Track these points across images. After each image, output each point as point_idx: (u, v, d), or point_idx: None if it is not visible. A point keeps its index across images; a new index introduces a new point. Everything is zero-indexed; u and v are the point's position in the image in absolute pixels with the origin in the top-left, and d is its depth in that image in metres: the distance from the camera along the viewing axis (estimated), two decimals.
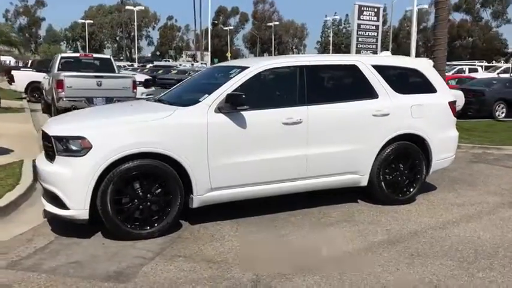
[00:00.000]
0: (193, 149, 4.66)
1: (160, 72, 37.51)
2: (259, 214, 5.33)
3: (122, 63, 46.28)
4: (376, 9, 16.87)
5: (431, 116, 5.94)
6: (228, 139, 4.83)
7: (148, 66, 51.52)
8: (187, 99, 5.19)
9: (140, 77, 18.21)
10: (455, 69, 29.10)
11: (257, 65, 5.17)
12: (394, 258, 4.23)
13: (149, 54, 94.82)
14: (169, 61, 75.57)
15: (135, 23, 63.06)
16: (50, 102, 14.36)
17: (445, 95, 6.19)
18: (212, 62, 56.55)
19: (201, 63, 67.55)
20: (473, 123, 13.96)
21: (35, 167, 4.88)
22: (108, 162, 4.33)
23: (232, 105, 4.78)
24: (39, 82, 18.60)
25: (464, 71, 30.06)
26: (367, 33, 16.73)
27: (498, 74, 28.87)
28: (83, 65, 14.23)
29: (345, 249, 4.45)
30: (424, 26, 74.07)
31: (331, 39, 75.60)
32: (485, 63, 38.24)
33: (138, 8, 57.71)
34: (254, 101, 4.95)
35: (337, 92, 5.63)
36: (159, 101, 5.60)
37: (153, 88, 20.63)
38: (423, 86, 6.07)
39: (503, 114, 16.30)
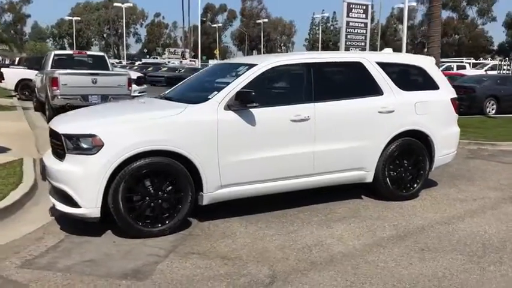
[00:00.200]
0: (203, 146, 4.67)
1: (150, 69, 37.29)
2: (267, 211, 5.36)
3: (110, 61, 45.96)
4: (364, 7, 16.94)
5: (434, 112, 6.02)
6: (238, 136, 4.84)
7: (137, 63, 51.28)
8: (196, 96, 5.19)
9: (133, 75, 18.09)
10: (443, 66, 29.37)
11: (265, 62, 5.19)
12: (406, 253, 4.29)
13: (134, 52, 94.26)
14: (157, 58, 75.19)
15: (123, 20, 62.57)
16: (42, 100, 14.23)
17: (447, 92, 6.27)
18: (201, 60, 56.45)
19: (190, 61, 67.37)
20: (465, 119, 14.07)
21: (43, 166, 4.83)
22: (120, 160, 4.32)
23: (242, 103, 4.80)
24: (29, 80, 18.41)
25: (452, 68, 30.39)
26: (356, 31, 16.80)
27: (486, 71, 29.21)
28: (77, 63, 14.11)
29: (355, 244, 4.50)
30: (412, 23, 74.62)
31: (320, 36, 75.75)
32: (472, 60, 38.66)
33: (126, 5, 57.18)
34: (262, 98, 4.97)
35: (343, 89, 5.66)
36: (167, 98, 5.59)
37: (145, 86, 20.53)
38: (426, 82, 6.15)
39: (494, 111, 16.54)
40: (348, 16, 16.40)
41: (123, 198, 4.39)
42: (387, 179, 5.77)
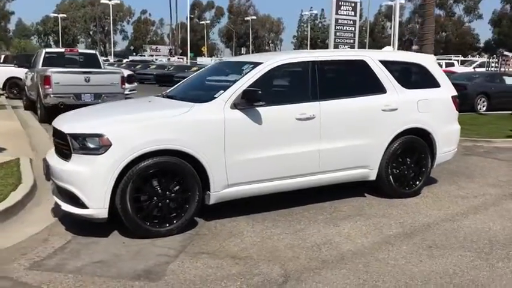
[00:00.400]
0: (210, 145, 4.64)
1: (138, 67, 37.01)
2: (272, 210, 5.35)
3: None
4: (353, 4, 16.98)
5: (436, 110, 6.06)
6: (245, 135, 4.83)
7: (124, 61, 50.89)
8: (201, 95, 5.16)
9: (124, 73, 17.95)
10: None
11: (271, 60, 5.18)
12: (414, 251, 4.31)
13: (119, 49, 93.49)
14: (144, 56, 74.66)
15: (111, 17, 61.99)
16: (33, 98, 14.06)
17: (448, 90, 6.32)
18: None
19: (178, 58, 67.04)
20: (458, 116, 14.23)
21: (47, 165, 4.76)
22: (128, 160, 4.28)
23: (249, 101, 4.78)
24: (18, 78, 18.17)
25: (441, 66, 30.60)
26: (344, 28, 16.84)
27: (474, 68, 29.50)
28: (68, 61, 13.95)
29: (363, 242, 4.51)
30: (399, 20, 75.02)
31: (308, 34, 75.86)
32: (461, 58, 39.03)
33: (113, 1, 56.66)
34: (268, 96, 4.96)
35: (347, 87, 5.67)
36: (170, 97, 5.55)
37: (135, 84, 20.39)
38: (427, 80, 6.19)
39: (485, 108, 16.72)
40: (337, 13, 16.44)
41: (130, 198, 4.35)
42: (390, 177, 5.80)
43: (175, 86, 6.13)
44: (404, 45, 68.64)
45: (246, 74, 5.02)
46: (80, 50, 15.09)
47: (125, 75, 17.84)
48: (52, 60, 13.54)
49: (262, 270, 3.86)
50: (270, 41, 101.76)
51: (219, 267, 3.91)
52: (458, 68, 28.98)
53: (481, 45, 78.66)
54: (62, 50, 14.87)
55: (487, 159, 8.60)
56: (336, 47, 16.00)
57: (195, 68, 31.73)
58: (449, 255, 4.23)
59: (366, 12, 66.20)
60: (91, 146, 4.33)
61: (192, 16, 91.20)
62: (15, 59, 22.04)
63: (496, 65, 30.33)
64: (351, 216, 5.27)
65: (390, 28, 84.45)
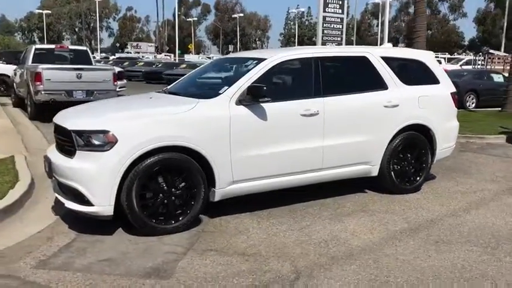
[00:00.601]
0: (216, 141, 4.60)
1: (126, 64, 36.66)
2: (275, 206, 5.33)
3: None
4: (340, 2, 17.01)
5: (436, 106, 6.10)
6: (250, 131, 4.80)
7: (111, 58, 50.42)
8: (205, 91, 5.14)
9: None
10: None
11: (274, 56, 5.15)
12: (421, 246, 4.33)
13: (105, 46, 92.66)
14: (130, 53, 74.01)
15: (97, 14, 61.34)
16: (22, 96, 13.85)
17: (448, 86, 6.36)
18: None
19: (165, 55, 66.62)
20: None
21: (49, 162, 4.68)
22: (134, 157, 4.23)
23: (254, 97, 4.75)
24: (6, 75, 17.87)
25: None
26: (332, 26, 16.87)
27: (461, 65, 29.82)
28: (58, 57, 13.75)
29: (370, 238, 4.52)
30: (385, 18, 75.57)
31: (296, 31, 75.96)
32: (447, 55, 39.43)
33: None
34: (273, 92, 4.93)
35: (349, 84, 5.66)
36: (172, 93, 5.49)
37: (124, 81, 20.21)
38: (427, 77, 6.21)
39: (474, 105, 16.92)
40: (324, 11, 16.46)
41: (136, 195, 4.30)
42: (392, 173, 5.82)
43: (176, 82, 6.07)
44: (392, 43, 68.94)
45: (250, 70, 4.99)
46: (70, 47, 14.88)
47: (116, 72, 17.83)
48: (42, 57, 13.30)
49: (273, 266, 3.84)
50: (257, 39, 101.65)
51: (228, 264, 3.89)
52: (445, 66, 29.24)
53: (466, 43, 79.53)
54: (52, 46, 14.64)
55: (482, 155, 8.68)
56: (323, 44, 16.00)
57: (183, 65, 31.59)
58: (456, 250, 4.25)
59: (352, 10, 66.55)
60: (96, 142, 4.26)
61: (179, 13, 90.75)
62: (2, 55, 21.66)
63: (482, 62, 30.77)
64: (355, 212, 5.27)
65: (376, 26, 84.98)
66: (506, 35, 51.17)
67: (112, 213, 4.30)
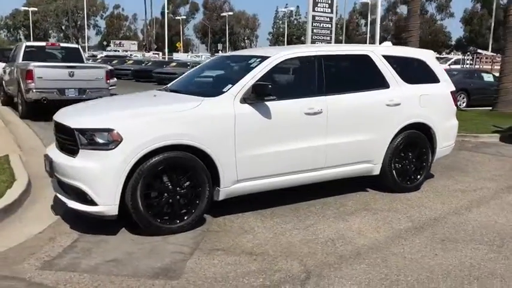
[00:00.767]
0: (221, 140, 4.56)
1: (115, 62, 36.34)
2: (277, 205, 5.30)
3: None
4: (330, 1, 17.06)
5: (436, 105, 6.12)
6: (254, 130, 4.76)
7: (99, 56, 49.97)
8: (208, 89, 5.08)
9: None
10: None
11: (278, 54, 5.11)
12: (428, 244, 4.33)
13: (92, 44, 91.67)
14: (118, 51, 73.42)
15: (85, 11, 60.73)
16: (11, 94, 13.65)
17: (447, 85, 6.39)
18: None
19: (153, 54, 66.22)
20: None
21: (51, 162, 4.58)
22: (139, 156, 4.16)
23: (259, 96, 4.71)
24: None
25: None
26: (321, 25, 16.92)
27: (449, 65, 30.08)
28: (49, 55, 13.56)
29: (376, 237, 4.51)
30: (373, 18, 75.96)
31: (285, 30, 76.01)
32: (436, 55, 39.70)
33: None
34: (276, 91, 4.89)
35: (352, 82, 5.65)
36: (173, 91, 5.42)
37: (115, 79, 20.01)
38: (428, 76, 6.23)
39: (464, 104, 17.05)
40: (313, 10, 16.50)
41: (141, 195, 4.23)
42: (393, 171, 5.82)
43: (176, 80, 6.00)
44: (379, 43, 69.39)
45: (253, 68, 4.94)
46: (61, 44, 14.68)
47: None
48: (33, 54, 13.11)
49: (282, 266, 3.81)
50: (246, 38, 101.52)
51: (237, 263, 3.85)
52: None
53: (453, 42, 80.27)
54: (43, 44, 14.40)
55: (478, 154, 8.75)
56: (312, 43, 16.03)
57: (173, 64, 31.40)
58: (462, 248, 4.26)
59: (341, 9, 66.77)
60: (100, 141, 4.19)
61: (168, 11, 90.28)
62: None
63: (471, 62, 31.07)
64: (358, 211, 5.26)
65: (364, 26, 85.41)
66: (493, 35, 51.71)
67: (117, 213, 4.23)
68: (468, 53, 34.04)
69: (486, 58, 33.28)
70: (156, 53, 67.84)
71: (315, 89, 5.22)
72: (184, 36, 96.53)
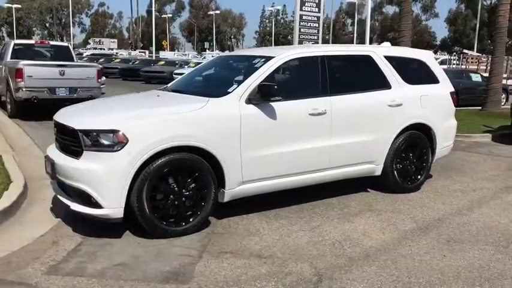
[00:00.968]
0: (226, 141, 4.50)
1: (101, 60, 35.96)
2: (281, 206, 5.26)
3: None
4: (317, 1, 17.08)
5: (436, 106, 6.14)
6: (260, 131, 4.71)
7: (85, 54, 49.37)
8: (212, 89, 5.00)
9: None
10: None
11: (282, 54, 5.07)
12: (435, 245, 4.33)
13: (77, 42, 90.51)
14: (104, 49, 72.70)
15: (70, 9, 59.95)
16: None
17: (447, 86, 6.41)
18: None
19: (139, 52, 65.70)
20: None
21: (53, 163, 4.47)
22: (145, 157, 4.09)
23: (264, 96, 4.67)
24: None
25: None
26: (309, 24, 16.94)
27: None
28: (38, 53, 13.34)
29: (382, 238, 4.50)
30: (360, 17, 76.32)
31: (273, 29, 76.02)
32: None
33: None
34: (281, 91, 4.83)
35: (355, 83, 5.63)
36: (176, 91, 5.34)
37: (103, 78, 19.76)
38: (428, 76, 6.25)
39: None
40: (301, 9, 16.51)
41: (147, 197, 4.16)
42: (395, 172, 5.83)
43: (177, 80, 5.93)
44: (364, 42, 69.79)
45: (258, 68, 4.89)
46: (51, 42, 14.45)
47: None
48: (21, 53, 12.87)
49: (293, 269, 3.78)
50: (232, 36, 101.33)
51: (247, 266, 3.80)
52: None
53: (438, 43, 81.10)
54: (32, 41, 14.18)
55: (472, 154, 8.82)
56: (300, 43, 16.04)
57: (162, 62, 31.17)
58: (469, 249, 4.27)
59: (327, 9, 67.00)
60: (105, 142, 4.10)
61: (154, 9, 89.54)
62: None
63: (457, 62, 31.40)
64: (362, 212, 5.25)
65: (351, 25, 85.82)
66: (478, 35, 52.32)
67: (122, 216, 4.15)
68: (454, 53, 34.39)
69: (472, 58, 33.67)
70: (142, 52, 67.33)
71: (319, 89, 5.20)
72: (170, 34, 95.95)
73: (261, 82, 4.71)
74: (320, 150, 5.14)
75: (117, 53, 57.73)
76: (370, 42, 67.57)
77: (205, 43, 79.12)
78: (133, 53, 62.43)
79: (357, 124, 5.43)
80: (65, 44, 15.17)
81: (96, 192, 4.06)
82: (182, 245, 4.20)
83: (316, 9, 17.01)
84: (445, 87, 6.37)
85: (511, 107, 10.51)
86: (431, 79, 6.27)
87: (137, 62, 33.85)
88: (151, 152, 4.10)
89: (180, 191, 4.34)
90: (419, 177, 6.09)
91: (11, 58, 12.62)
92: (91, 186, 4.08)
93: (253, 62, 5.10)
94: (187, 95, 4.96)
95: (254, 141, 4.68)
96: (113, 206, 4.09)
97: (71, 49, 14.00)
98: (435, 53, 63.96)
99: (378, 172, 5.75)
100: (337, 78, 5.40)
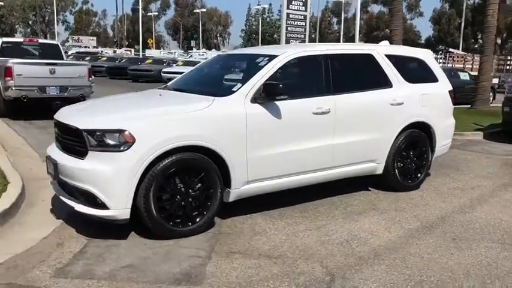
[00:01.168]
0: (232, 140, 4.46)
1: (87, 59, 35.49)
2: (283, 206, 5.24)
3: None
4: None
5: (436, 104, 6.18)
6: (265, 130, 4.68)
7: (70, 52, 48.78)
8: (216, 88, 4.96)
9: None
10: None
11: (286, 53, 5.04)
12: (442, 244, 4.35)
13: (60, 41, 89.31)
14: (88, 47, 71.92)
15: (55, 6, 59.13)
16: None
17: (446, 84, 6.46)
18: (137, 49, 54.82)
19: (125, 50, 65.14)
20: None
21: (55, 164, 4.38)
22: (153, 157, 4.03)
23: (269, 95, 4.64)
24: None
25: None
26: (295, 23, 16.97)
27: None
28: (27, 52, 13.11)
29: (389, 237, 4.50)
30: (345, 16, 76.66)
31: (260, 28, 75.94)
32: None
33: None
34: (285, 90, 4.81)
35: (357, 81, 5.63)
36: (178, 90, 5.28)
37: (92, 76, 19.53)
38: (427, 75, 6.28)
39: None
40: (288, 8, 16.54)
41: (154, 197, 4.11)
42: (396, 170, 5.84)
43: (177, 79, 5.87)
44: (350, 41, 70.14)
45: (263, 67, 4.86)
46: (40, 40, 14.23)
47: None
48: (9, 51, 12.63)
49: (304, 269, 3.76)
50: (218, 35, 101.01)
51: (258, 267, 3.77)
52: None
53: (422, 41, 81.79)
54: (21, 39, 13.94)
55: (466, 152, 8.91)
56: (287, 41, 16.07)
57: (149, 61, 30.93)
58: (475, 247, 4.30)
59: (313, 8, 67.14)
60: (111, 142, 4.03)
61: (138, 7, 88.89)
62: None
63: (443, 61, 31.72)
64: (366, 210, 5.26)
65: (336, 24, 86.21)
66: (461, 34, 52.91)
67: (129, 217, 4.09)
68: (440, 52, 34.74)
69: (457, 57, 34.08)
70: (127, 50, 66.78)
71: (322, 88, 5.18)
72: (156, 32, 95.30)
73: (266, 81, 4.68)
74: (324, 149, 5.13)
75: (102, 51, 57.18)
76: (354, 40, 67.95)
77: (192, 41, 78.76)
78: (118, 51, 61.87)
79: (360, 123, 5.43)
80: (54, 42, 14.95)
81: (102, 193, 3.99)
82: (190, 245, 4.16)
83: (303, 8, 17.03)
84: (444, 85, 6.41)
85: (503, 105, 10.62)
86: (431, 78, 6.30)
87: (124, 60, 33.55)
88: (159, 151, 4.05)
89: (187, 191, 4.29)
90: (419, 175, 6.12)
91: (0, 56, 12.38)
92: (97, 187, 4.01)
93: (257, 60, 5.07)
94: (191, 94, 4.90)
95: (259, 140, 4.64)
96: (119, 207, 4.02)
97: (60, 47, 13.80)
98: None
99: (380, 171, 5.76)
100: (340, 77, 5.39)
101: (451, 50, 37.77)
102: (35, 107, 11.72)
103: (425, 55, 6.46)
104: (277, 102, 4.72)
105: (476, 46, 63.45)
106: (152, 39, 75.94)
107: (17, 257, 3.85)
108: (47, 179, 5.83)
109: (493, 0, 14.67)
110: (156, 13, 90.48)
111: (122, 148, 4.00)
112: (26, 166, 6.74)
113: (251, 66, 5.12)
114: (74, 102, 9.62)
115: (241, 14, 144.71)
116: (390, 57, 5.86)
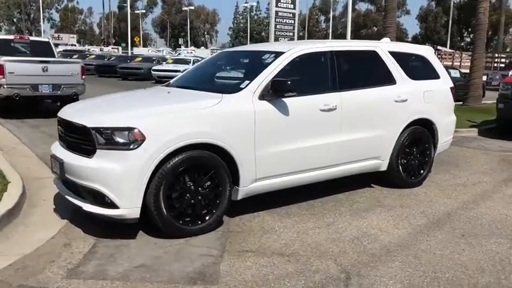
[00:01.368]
0: (241, 138, 4.42)
1: (75, 57, 35.10)
2: (290, 204, 5.21)
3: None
4: None
5: (438, 101, 6.20)
6: (273, 127, 4.65)
7: (57, 50, 48.23)
8: (223, 85, 4.93)
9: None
10: None
11: (293, 50, 5.01)
12: (451, 240, 4.36)
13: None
14: (75, 45, 71.21)
15: (40, 3, 58.37)
16: None
17: (447, 81, 6.47)
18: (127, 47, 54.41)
19: (112, 48, 64.60)
20: None
21: (62, 163, 4.29)
22: (163, 155, 3.97)
23: (277, 92, 4.60)
24: None
25: None
26: (284, 21, 16.97)
27: None
28: (18, 49, 12.87)
29: (399, 234, 4.50)
30: (333, 14, 76.94)
31: (248, 26, 75.83)
32: None
33: None
34: (293, 87, 4.78)
35: (362, 78, 5.63)
36: (183, 87, 5.21)
37: (84, 74, 19.30)
38: (429, 72, 6.30)
39: None
40: (276, 6, 16.52)
41: (164, 196, 4.05)
42: (400, 167, 5.85)
43: (181, 76, 5.80)
44: (338, 39, 70.32)
45: (270, 63, 4.82)
46: (31, 38, 14.00)
47: None
48: (0, 48, 12.41)
49: (319, 267, 3.73)
50: (206, 32, 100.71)
51: (272, 265, 3.73)
52: None
53: (409, 39, 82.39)
54: (11, 37, 13.69)
55: (463, 148, 8.95)
56: (276, 39, 16.06)
57: (139, 59, 30.69)
58: (485, 243, 4.31)
59: (301, 6, 67.21)
60: (120, 140, 3.96)
61: (125, 5, 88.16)
62: None
63: None
64: (372, 207, 5.25)
65: (324, 22, 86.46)
66: (447, 32, 53.39)
67: (138, 216, 4.03)
68: None
69: (445, 55, 34.36)
70: (114, 48, 66.25)
71: (329, 85, 5.16)
72: (143, 30, 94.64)
73: (274, 78, 4.65)
74: (331, 146, 5.11)
75: (89, 49, 56.64)
76: (344, 38, 68.20)
77: (180, 39, 78.36)
78: (105, 49, 61.36)
79: (365, 120, 5.42)
80: (46, 39, 14.68)
81: (112, 192, 3.93)
82: (200, 244, 4.11)
83: (292, 6, 17.01)
84: (445, 82, 6.43)
85: (497, 102, 10.71)
86: (433, 74, 6.32)
87: (113, 58, 33.25)
88: (169, 149, 3.99)
89: (196, 189, 4.24)
90: (422, 172, 6.14)
91: None
92: (106, 186, 3.94)
93: (263, 57, 5.03)
94: (198, 91, 4.83)
95: (268, 137, 4.61)
96: (129, 206, 3.96)
97: (52, 45, 13.58)
98: None
99: (384, 167, 5.77)
100: (346, 74, 5.38)
101: (439, 47, 38.11)
102: (26, 106, 11.55)
103: (427, 52, 6.48)
104: (285, 99, 4.69)
105: (462, 44, 64.14)
106: (139, 37, 75.37)
107: (26, 258, 3.77)
108: (46, 178, 5.77)
109: None
110: (143, 11, 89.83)
111: (131, 146, 3.94)
112: (24, 166, 6.62)
113: (257, 63, 5.07)
114: (66, 101, 9.59)
115: (229, 11, 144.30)
116: (393, 54, 5.87)
